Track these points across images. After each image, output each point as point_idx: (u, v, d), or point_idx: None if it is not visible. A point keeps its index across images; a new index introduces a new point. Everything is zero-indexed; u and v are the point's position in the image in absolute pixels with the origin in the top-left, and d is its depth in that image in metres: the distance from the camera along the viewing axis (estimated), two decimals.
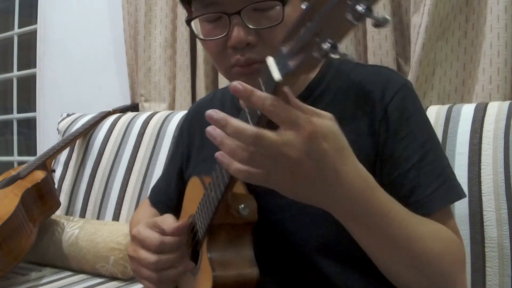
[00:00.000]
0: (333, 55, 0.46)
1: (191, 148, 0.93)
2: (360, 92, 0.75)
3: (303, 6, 0.50)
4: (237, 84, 0.53)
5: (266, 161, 0.53)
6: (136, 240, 0.76)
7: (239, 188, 0.73)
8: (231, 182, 0.64)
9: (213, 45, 0.72)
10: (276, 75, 0.51)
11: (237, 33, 0.68)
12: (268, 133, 0.52)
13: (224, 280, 0.69)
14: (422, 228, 0.65)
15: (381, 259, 0.65)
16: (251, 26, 0.67)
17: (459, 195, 0.73)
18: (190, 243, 0.81)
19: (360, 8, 0.43)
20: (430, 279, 0.65)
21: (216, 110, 0.55)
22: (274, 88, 0.52)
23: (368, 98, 0.74)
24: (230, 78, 0.75)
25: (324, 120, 0.54)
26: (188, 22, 0.73)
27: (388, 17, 0.44)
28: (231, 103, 0.87)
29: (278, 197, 0.71)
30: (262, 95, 0.53)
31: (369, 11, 0.43)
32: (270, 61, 0.53)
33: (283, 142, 0.52)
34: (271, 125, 0.54)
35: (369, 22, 1.52)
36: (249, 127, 0.53)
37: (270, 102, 0.52)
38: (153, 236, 0.74)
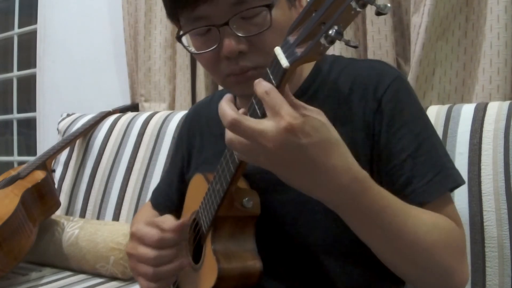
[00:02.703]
0: (339, 41, 0.48)
1: (191, 151, 0.94)
2: (355, 86, 0.76)
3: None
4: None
5: (243, 145, 0.56)
6: (135, 237, 0.77)
7: (242, 184, 0.74)
8: (237, 173, 0.66)
9: (207, 58, 0.73)
10: (284, 62, 0.53)
11: (228, 43, 0.68)
12: (247, 120, 0.55)
13: (229, 272, 0.70)
14: (416, 220, 0.65)
15: (377, 250, 0.65)
16: (240, 35, 0.68)
17: (457, 182, 0.73)
18: (193, 240, 0.81)
19: None
20: (426, 269, 0.65)
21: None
22: (282, 75, 0.54)
23: (362, 92, 0.75)
24: (227, 87, 0.77)
25: (308, 115, 0.55)
26: (179, 38, 0.74)
27: (389, 5, 0.47)
28: None
29: (279, 193, 0.71)
30: (262, 82, 0.56)
31: None
32: (278, 51, 0.55)
33: (260, 130, 0.54)
34: None
35: (369, 22, 1.52)
36: (229, 111, 0.56)
37: (264, 89, 0.55)
38: (152, 232, 0.75)
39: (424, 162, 0.71)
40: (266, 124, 0.54)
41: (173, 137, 1.52)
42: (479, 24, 1.27)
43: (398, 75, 0.77)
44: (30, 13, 2.55)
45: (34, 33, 2.46)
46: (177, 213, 0.94)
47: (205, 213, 0.75)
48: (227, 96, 0.60)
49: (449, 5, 1.30)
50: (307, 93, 0.78)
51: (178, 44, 1.82)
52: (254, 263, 0.71)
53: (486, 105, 1.10)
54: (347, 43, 0.50)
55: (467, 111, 1.10)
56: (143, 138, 1.59)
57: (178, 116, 1.57)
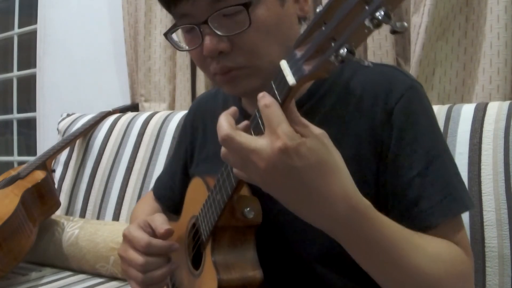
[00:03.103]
0: (349, 60, 0.46)
1: (194, 145, 0.92)
2: (364, 94, 0.71)
3: (318, 9, 0.49)
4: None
5: (238, 161, 0.55)
6: (126, 239, 0.77)
7: (244, 190, 0.72)
8: (238, 186, 0.64)
9: (194, 55, 0.72)
10: (290, 78, 0.51)
11: (208, 42, 0.67)
12: (240, 136, 0.53)
13: (229, 283, 0.69)
14: (419, 250, 0.60)
15: (377, 279, 0.62)
16: (220, 33, 0.66)
17: (466, 206, 0.68)
18: (192, 246, 0.81)
19: (378, 14, 0.42)
20: None
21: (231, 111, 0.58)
22: (288, 92, 0.51)
23: (373, 101, 0.70)
24: (216, 85, 0.76)
25: (307, 136, 0.52)
26: (165, 35, 0.73)
27: (405, 23, 0.43)
28: (233, 103, 0.86)
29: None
30: (266, 96, 0.53)
31: (387, 18, 0.42)
32: (284, 65, 0.52)
33: (252, 148, 0.52)
34: None
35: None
36: (224, 126, 0.54)
37: (265, 102, 0.53)
38: (140, 237, 0.74)
39: (433, 182, 0.67)
40: (261, 143, 0.52)
41: (173, 137, 1.52)
42: (479, 24, 1.27)
43: (412, 84, 0.72)
44: (30, 13, 2.55)
45: (34, 33, 2.46)
46: (180, 207, 0.94)
47: (205, 222, 0.74)
48: (231, 110, 0.59)
49: (449, 5, 1.30)
50: (315, 96, 0.74)
51: None
52: (255, 274, 0.70)
53: (486, 105, 1.10)
54: (359, 62, 0.47)
55: (467, 111, 1.10)
56: (143, 138, 1.59)
57: (178, 116, 1.57)
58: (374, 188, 0.69)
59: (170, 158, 1.04)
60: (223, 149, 0.56)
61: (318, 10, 0.49)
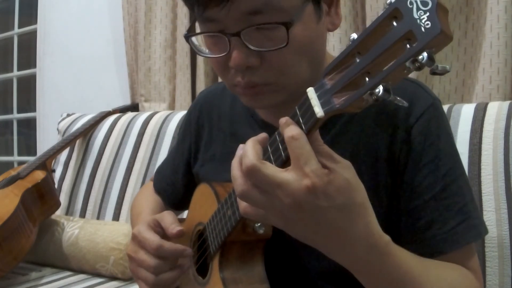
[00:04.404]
0: (384, 99, 0.43)
1: (199, 143, 0.90)
2: (383, 109, 0.69)
3: (352, 36, 0.46)
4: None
5: (259, 195, 0.51)
6: (136, 240, 0.76)
7: None
8: None
9: (215, 62, 0.68)
10: (318, 110, 0.48)
11: (237, 55, 0.62)
12: (267, 168, 0.50)
13: None
14: (435, 283, 0.59)
15: None
16: (252, 48, 0.61)
17: (480, 234, 0.67)
18: (197, 252, 0.80)
19: (421, 57, 0.40)
20: None
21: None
22: (314, 123, 0.48)
23: (391, 117, 0.68)
24: (235, 94, 0.72)
25: (335, 174, 0.49)
26: (187, 37, 0.67)
27: (447, 67, 0.41)
28: (241, 105, 0.82)
29: None
30: (291, 125, 0.50)
31: (431, 61, 0.40)
32: (312, 94, 0.49)
33: (280, 181, 0.49)
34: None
35: (370, 22, 1.51)
36: (250, 156, 0.51)
37: (292, 133, 0.49)
38: (152, 239, 0.73)
39: (448, 206, 0.65)
40: (287, 177, 0.49)
41: (173, 137, 1.52)
42: (479, 24, 1.27)
43: (433, 102, 0.69)
44: (30, 13, 2.55)
45: (34, 33, 2.46)
46: (181, 203, 0.93)
47: (214, 234, 0.72)
48: (260, 137, 0.55)
49: (449, 5, 1.30)
50: None
51: (178, 44, 1.83)
52: None
53: (486, 105, 1.10)
54: (394, 100, 0.44)
55: (467, 111, 1.10)
56: (143, 138, 1.59)
57: (178, 116, 1.57)
58: (386, 206, 0.68)
59: (172, 151, 1.01)
60: (243, 186, 0.52)
61: (352, 38, 0.46)
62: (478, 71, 1.26)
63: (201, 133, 0.90)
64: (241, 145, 0.55)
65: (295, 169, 0.49)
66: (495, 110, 1.07)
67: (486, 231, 0.68)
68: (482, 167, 1.03)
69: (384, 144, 0.68)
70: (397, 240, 0.57)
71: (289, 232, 0.54)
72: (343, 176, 0.50)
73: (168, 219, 0.75)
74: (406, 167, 0.67)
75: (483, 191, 1.01)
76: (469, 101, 1.29)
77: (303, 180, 0.48)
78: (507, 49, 1.21)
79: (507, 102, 1.09)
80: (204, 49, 0.69)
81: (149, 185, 1.04)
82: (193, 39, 0.68)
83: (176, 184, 0.96)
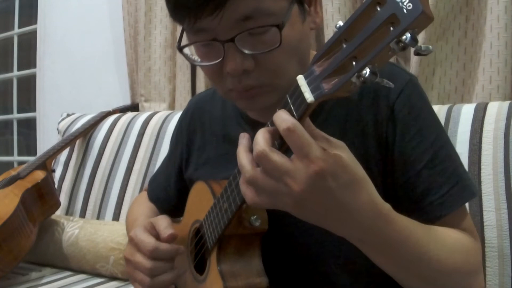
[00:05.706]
0: (371, 81, 0.45)
1: (191, 148, 0.91)
2: (364, 91, 0.72)
3: (338, 24, 0.48)
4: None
5: (268, 182, 0.53)
6: (132, 242, 0.76)
7: None
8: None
9: (209, 70, 0.69)
10: (308, 95, 0.50)
11: (232, 61, 0.64)
12: (277, 155, 0.52)
13: None
14: (437, 244, 0.63)
15: (397, 276, 0.63)
16: (246, 52, 0.63)
17: (473, 193, 0.71)
18: (194, 249, 0.81)
19: (405, 37, 0.41)
20: None
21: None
22: (305, 109, 0.51)
23: (373, 98, 0.72)
24: (230, 99, 0.73)
25: (336, 154, 0.52)
26: (180, 49, 0.69)
27: (430, 47, 0.43)
28: (232, 106, 0.85)
29: None
30: (283, 115, 0.52)
31: (414, 41, 0.42)
32: (302, 81, 0.51)
33: (288, 170, 0.51)
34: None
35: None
36: (260, 142, 0.52)
37: (287, 125, 0.50)
38: (147, 241, 0.74)
39: (440, 173, 0.68)
40: (296, 166, 0.51)
41: (174, 129, 1.51)
42: (479, 24, 1.27)
43: (410, 78, 0.73)
44: (30, 13, 2.55)
45: (34, 33, 2.46)
46: (175, 210, 0.93)
47: (211, 229, 0.73)
48: (270, 127, 0.56)
49: (449, 5, 1.30)
50: None
51: None
52: (261, 281, 0.70)
53: (486, 105, 1.10)
54: (381, 82, 0.46)
55: (467, 111, 1.10)
56: (143, 138, 1.59)
57: (178, 116, 1.56)
58: (381, 183, 0.70)
59: (165, 160, 1.04)
60: (252, 172, 0.54)
61: (337, 26, 0.48)
62: (478, 71, 1.26)
63: (193, 138, 0.91)
64: (242, 134, 0.58)
65: (301, 158, 0.51)
66: (495, 110, 1.07)
67: (477, 191, 0.73)
68: (482, 167, 1.03)
69: (370, 123, 0.71)
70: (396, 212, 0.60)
71: (298, 216, 0.55)
72: (343, 155, 0.52)
73: (162, 223, 0.76)
74: (395, 142, 0.70)
75: (483, 191, 1.01)
76: (469, 101, 1.29)
77: (310, 167, 0.50)
78: (507, 49, 1.21)
79: (507, 102, 1.08)
80: (197, 58, 0.71)
81: (143, 194, 1.06)
82: (185, 50, 0.70)
83: (169, 191, 0.98)
